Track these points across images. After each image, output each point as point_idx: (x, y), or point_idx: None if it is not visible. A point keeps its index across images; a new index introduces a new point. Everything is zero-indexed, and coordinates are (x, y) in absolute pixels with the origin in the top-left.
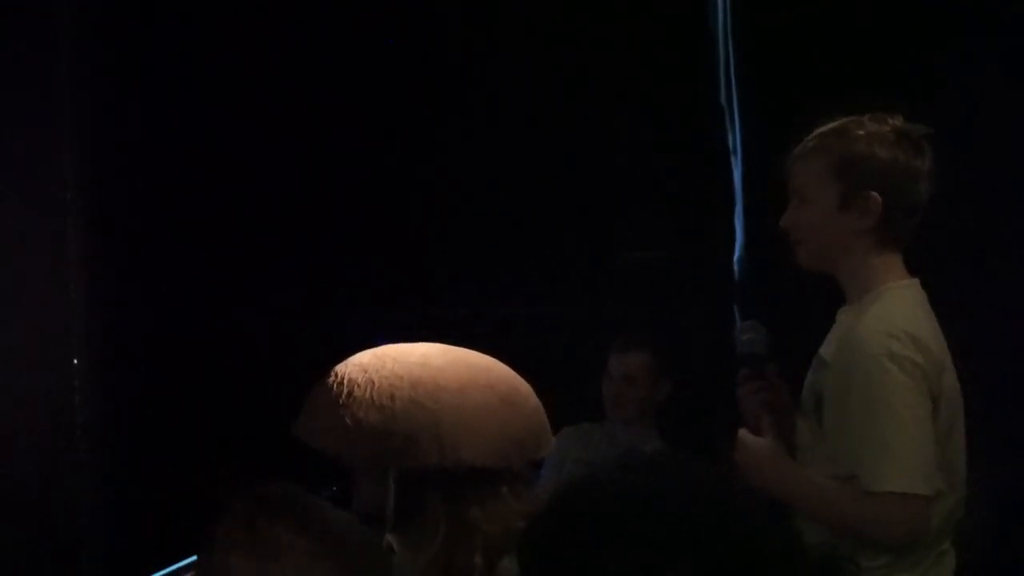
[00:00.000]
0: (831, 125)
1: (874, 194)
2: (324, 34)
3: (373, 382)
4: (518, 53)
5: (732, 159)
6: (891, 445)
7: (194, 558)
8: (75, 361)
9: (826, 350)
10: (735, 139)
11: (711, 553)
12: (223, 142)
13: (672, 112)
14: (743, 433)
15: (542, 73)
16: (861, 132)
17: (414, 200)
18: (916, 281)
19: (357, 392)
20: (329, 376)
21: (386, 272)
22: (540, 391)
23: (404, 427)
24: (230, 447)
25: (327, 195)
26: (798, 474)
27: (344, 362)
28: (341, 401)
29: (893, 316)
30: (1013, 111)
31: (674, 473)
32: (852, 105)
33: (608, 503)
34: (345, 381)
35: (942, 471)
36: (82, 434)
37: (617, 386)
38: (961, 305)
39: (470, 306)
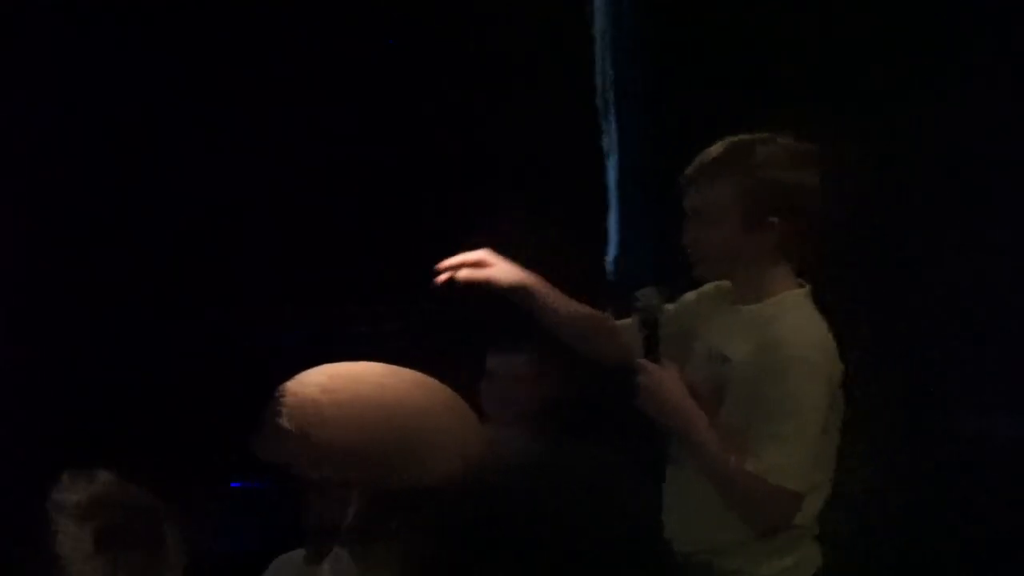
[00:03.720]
0: (724, 147)
1: (774, 220)
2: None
3: (340, 403)
4: (393, 52)
5: (607, 160)
6: (789, 444)
7: None
8: None
9: (726, 346)
10: (611, 140)
11: (587, 552)
12: (140, 142)
13: (547, 113)
14: (646, 361)
15: (414, 72)
16: (755, 160)
17: (292, 205)
18: (809, 288)
19: (326, 413)
20: (285, 396)
21: (281, 270)
22: None
23: (379, 448)
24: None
25: (229, 201)
26: (697, 412)
27: (296, 382)
28: (309, 422)
29: (810, 327)
30: (889, 113)
31: (554, 475)
32: (729, 106)
33: (494, 505)
34: (309, 402)
35: (825, 464)
36: None
37: (495, 386)
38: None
39: (341, 308)
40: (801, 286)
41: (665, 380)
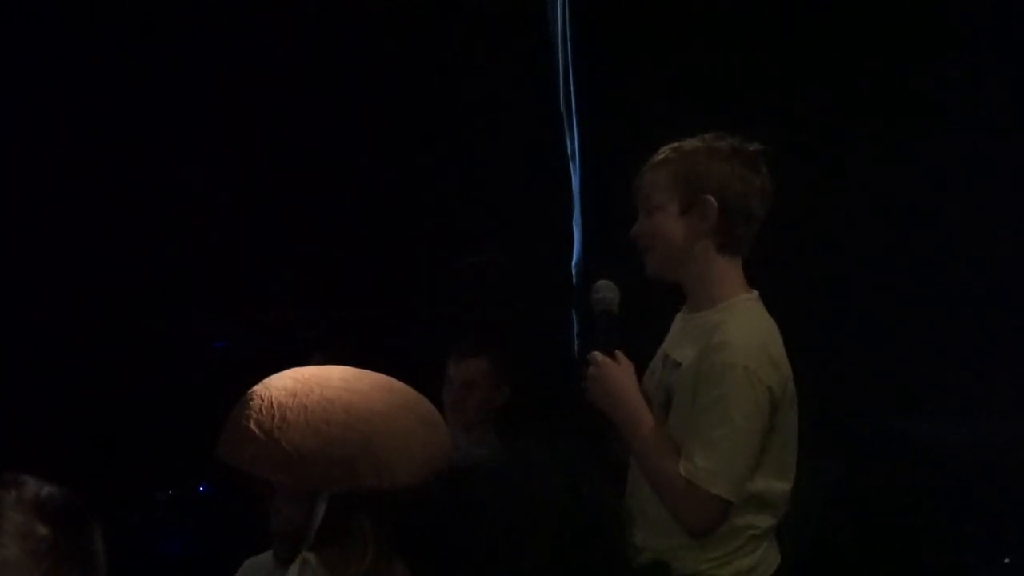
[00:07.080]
0: (667, 149)
1: (710, 198)
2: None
3: (306, 407)
4: (362, 56)
5: (571, 165)
6: (718, 449)
7: None
8: None
9: (678, 352)
10: (574, 145)
11: (548, 554)
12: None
13: (511, 118)
14: (597, 353)
15: (383, 78)
16: (700, 145)
17: (254, 203)
18: (757, 294)
19: (290, 417)
20: (252, 400)
21: (222, 275)
22: None
23: (342, 452)
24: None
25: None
26: (644, 410)
27: (263, 386)
28: (275, 425)
29: (752, 333)
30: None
31: (505, 483)
32: (689, 111)
33: (443, 512)
34: (274, 406)
35: (781, 468)
36: None
37: (456, 392)
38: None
39: (307, 308)
40: (750, 291)
41: (615, 373)
